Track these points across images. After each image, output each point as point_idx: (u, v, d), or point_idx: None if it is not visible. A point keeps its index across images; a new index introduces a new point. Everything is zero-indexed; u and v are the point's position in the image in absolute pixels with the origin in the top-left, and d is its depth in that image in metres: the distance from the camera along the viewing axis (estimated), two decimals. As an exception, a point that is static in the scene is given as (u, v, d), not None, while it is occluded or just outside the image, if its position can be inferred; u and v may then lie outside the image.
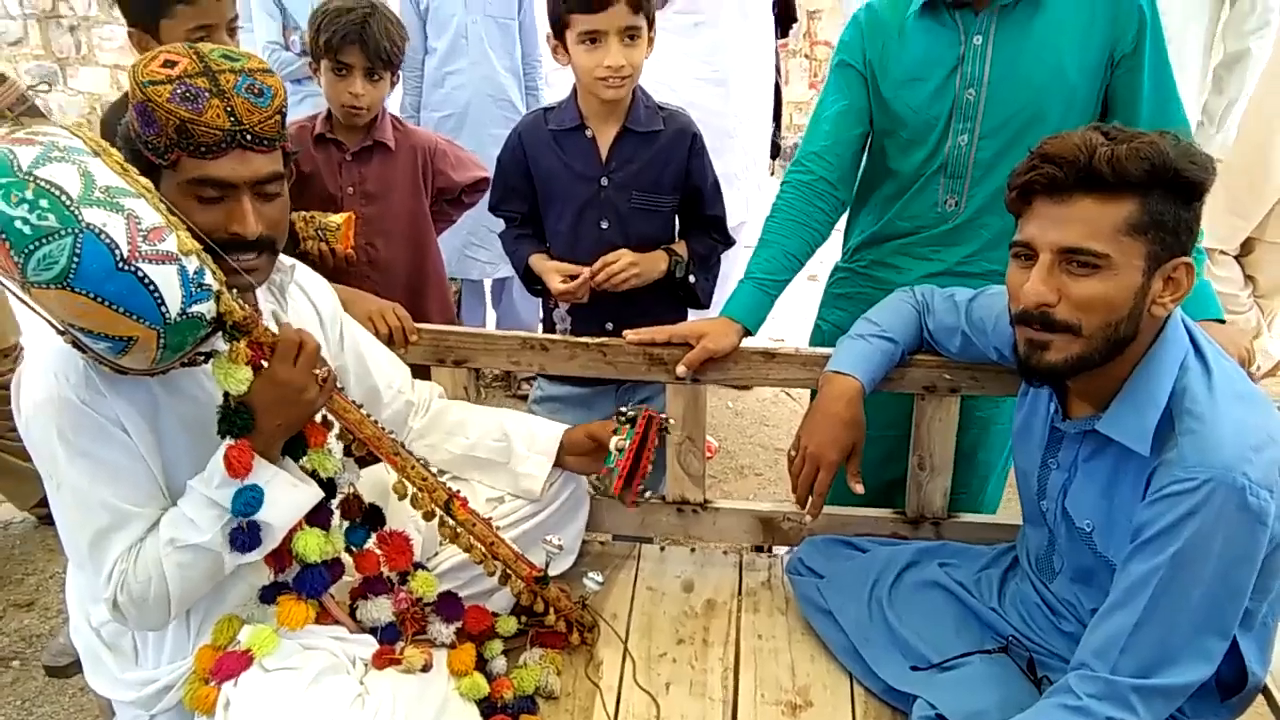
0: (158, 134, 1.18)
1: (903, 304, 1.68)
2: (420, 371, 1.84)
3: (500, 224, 2.08)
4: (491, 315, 3.63)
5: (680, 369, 1.74)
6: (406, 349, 1.83)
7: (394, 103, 3.34)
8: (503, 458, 1.69)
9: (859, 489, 1.58)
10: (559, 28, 1.77)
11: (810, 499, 1.58)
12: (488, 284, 3.52)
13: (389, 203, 2.21)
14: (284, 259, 1.40)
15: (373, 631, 1.44)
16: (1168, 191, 1.19)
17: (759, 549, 2.13)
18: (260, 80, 1.24)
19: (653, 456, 1.62)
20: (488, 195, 2.09)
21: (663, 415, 1.64)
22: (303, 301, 1.51)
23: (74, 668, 1.49)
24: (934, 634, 1.52)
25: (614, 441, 1.61)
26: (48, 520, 2.63)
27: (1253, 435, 1.17)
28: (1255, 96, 2.98)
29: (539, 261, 1.94)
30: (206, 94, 1.19)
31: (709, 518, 1.91)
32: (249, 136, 1.22)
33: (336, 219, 1.98)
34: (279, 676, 1.26)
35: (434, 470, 1.48)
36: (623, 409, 1.63)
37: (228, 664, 1.27)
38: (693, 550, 1.94)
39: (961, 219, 1.76)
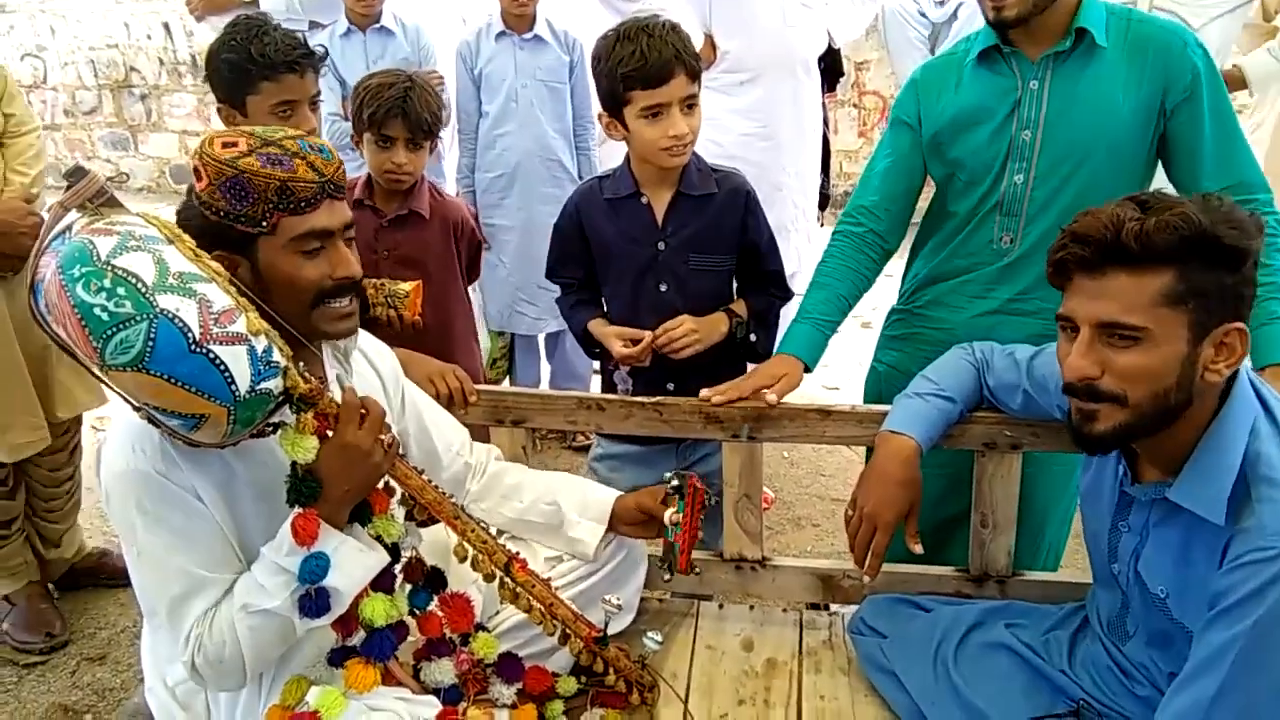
0: (255, 203, 1.24)
1: (961, 361, 1.68)
2: (479, 431, 1.87)
3: (546, 280, 2.12)
4: (546, 367, 3.67)
5: (771, 397, 1.76)
6: (466, 410, 1.86)
7: (450, 163, 3.45)
8: (555, 521, 1.70)
9: (917, 549, 1.57)
10: (616, 105, 1.79)
11: (868, 559, 1.57)
12: (541, 337, 3.57)
13: (424, 269, 2.26)
14: None
15: (436, 693, 1.45)
16: (1206, 260, 1.18)
17: (817, 606, 2.11)
18: (314, 141, 1.31)
19: (700, 531, 1.63)
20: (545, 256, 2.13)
21: (704, 486, 1.63)
22: (365, 366, 1.56)
23: (148, 727, 1.53)
24: (1002, 697, 1.49)
25: (668, 515, 1.61)
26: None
27: None
28: None
29: (599, 326, 1.96)
30: (289, 155, 1.26)
31: (768, 575, 1.90)
32: (333, 186, 1.30)
33: (405, 287, 2.05)
34: (346, 738, 1.28)
35: (493, 533, 1.50)
36: (667, 476, 1.63)
37: (296, 722, 1.29)
38: (751, 608, 1.93)
39: (1016, 255, 1.79)
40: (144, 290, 1.09)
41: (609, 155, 3.16)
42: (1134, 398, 1.23)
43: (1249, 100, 3.28)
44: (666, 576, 1.67)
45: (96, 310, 1.07)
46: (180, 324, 1.10)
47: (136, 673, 2.43)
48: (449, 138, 3.51)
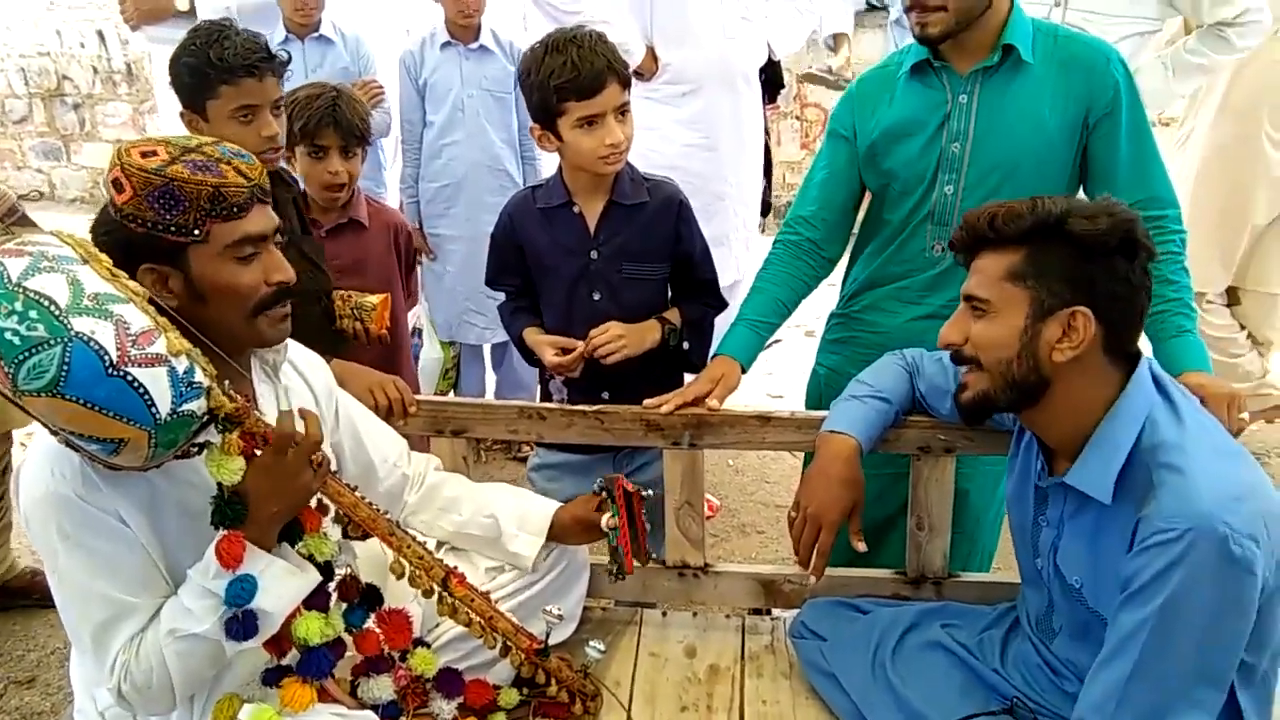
0: (185, 210, 1.21)
1: (894, 366, 1.71)
2: (420, 442, 1.86)
3: (495, 292, 2.12)
4: (491, 378, 3.65)
5: (713, 402, 1.78)
6: (406, 421, 1.84)
7: (394, 174, 3.42)
8: (493, 534, 1.69)
9: (861, 547, 1.59)
10: (549, 117, 1.80)
11: (813, 560, 1.58)
12: (487, 348, 3.55)
13: (363, 277, 2.25)
14: None
15: (375, 709, 1.43)
16: (1051, 244, 1.29)
17: (759, 611, 2.12)
18: (233, 146, 1.29)
19: (646, 525, 1.63)
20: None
21: (635, 486, 1.64)
22: (296, 380, 1.53)
23: (76, 751, 1.49)
24: (938, 696, 1.51)
25: (605, 520, 1.62)
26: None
27: (1233, 486, 1.19)
28: (1222, 142, 3.07)
29: (532, 335, 1.96)
30: (214, 161, 1.23)
31: (710, 582, 1.91)
32: (261, 190, 1.28)
33: (373, 300, 2.06)
34: (280, 756, 1.26)
35: (430, 547, 1.49)
36: (597, 484, 1.65)
37: (227, 742, 1.26)
38: (695, 615, 1.94)
39: (948, 263, 1.82)
40: (57, 313, 1.06)
41: (553, 165, 3.16)
42: (985, 363, 1.35)
43: (1177, 112, 3.38)
44: (620, 579, 1.66)
45: (8, 335, 1.04)
46: (96, 347, 1.07)
47: (66, 695, 2.36)
48: (392, 149, 3.49)
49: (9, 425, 2.41)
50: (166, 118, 3.40)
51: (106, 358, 1.07)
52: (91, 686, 1.43)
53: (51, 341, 1.05)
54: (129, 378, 1.09)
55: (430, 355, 3.47)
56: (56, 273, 1.08)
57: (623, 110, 1.80)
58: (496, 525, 1.68)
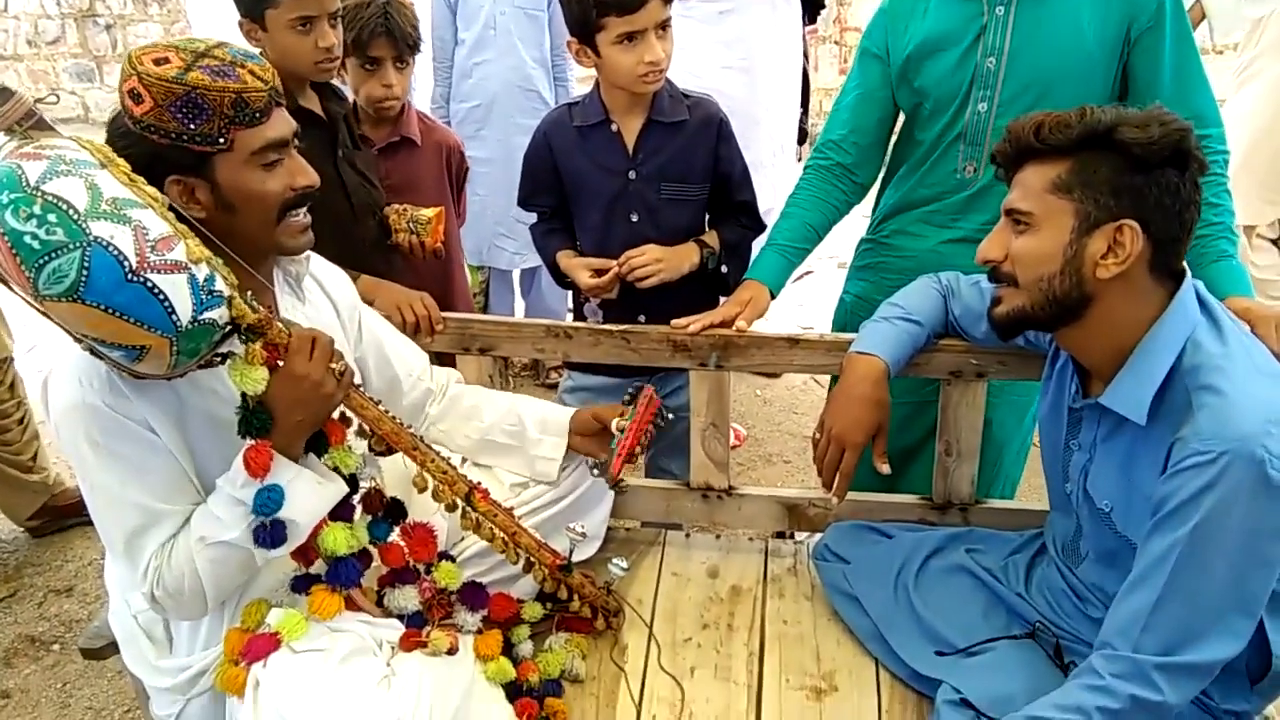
0: (209, 118, 1.18)
1: (928, 288, 1.67)
2: (447, 360, 1.86)
3: (527, 215, 2.09)
4: (520, 304, 3.65)
5: (741, 324, 1.76)
6: (433, 338, 1.84)
7: (424, 93, 3.38)
8: (517, 441, 1.69)
9: (885, 469, 1.57)
10: (587, 32, 1.75)
11: (836, 480, 1.57)
12: (516, 273, 3.54)
13: (416, 196, 2.22)
14: None
15: (400, 618, 1.45)
16: (1100, 154, 1.23)
17: (783, 535, 2.13)
18: (239, 48, 1.25)
19: (643, 439, 1.62)
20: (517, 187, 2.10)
21: (658, 399, 1.63)
22: (319, 295, 1.52)
23: (109, 649, 1.53)
24: (960, 619, 1.51)
25: (615, 423, 1.61)
26: (37, 533, 2.71)
27: (1274, 409, 1.15)
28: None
29: (566, 259, 1.94)
30: (229, 65, 1.19)
31: (734, 504, 1.91)
32: (277, 93, 1.26)
33: (428, 213, 2.03)
34: (307, 657, 1.28)
35: (454, 462, 1.49)
36: (629, 391, 1.63)
37: (257, 646, 1.29)
38: (718, 536, 1.95)
39: (980, 185, 1.78)
40: (76, 217, 1.05)
41: (585, 87, 3.10)
42: (1023, 280, 1.30)
43: (1240, 37, 3.23)
44: (601, 477, 1.65)
45: (27, 238, 1.03)
46: (115, 252, 1.06)
47: (102, 603, 2.44)
48: (422, 68, 3.44)
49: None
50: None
51: (126, 263, 1.06)
52: (125, 590, 1.46)
53: (70, 246, 1.04)
54: (149, 283, 1.08)
55: (458, 279, 3.47)
56: (74, 176, 1.07)
57: (663, 26, 1.74)
58: (521, 430, 1.68)
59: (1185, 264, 1.31)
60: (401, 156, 2.25)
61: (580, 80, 3.23)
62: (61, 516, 2.69)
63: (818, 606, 1.73)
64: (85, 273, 1.04)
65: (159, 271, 1.09)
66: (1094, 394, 1.35)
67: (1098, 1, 1.65)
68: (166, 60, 1.17)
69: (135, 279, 1.07)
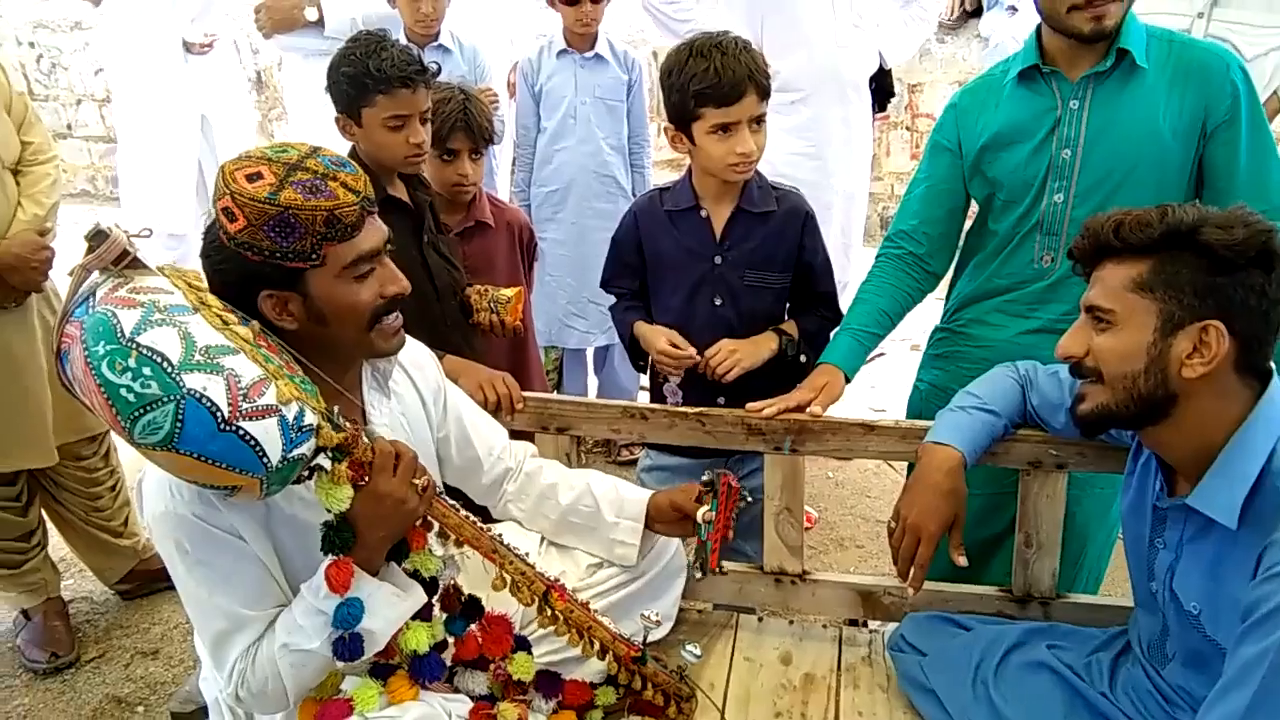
0: (302, 236, 1.21)
1: (1005, 378, 1.67)
2: (524, 436, 1.90)
3: (597, 293, 2.14)
4: (593, 382, 3.70)
5: (815, 409, 1.77)
6: (513, 417, 1.89)
7: (502, 180, 3.51)
8: (593, 523, 1.71)
9: (962, 561, 1.56)
10: (685, 120, 1.81)
11: (911, 571, 1.56)
12: (590, 352, 3.60)
13: (493, 276, 2.31)
14: None
15: (470, 696, 1.47)
16: (1183, 254, 1.23)
17: (856, 623, 2.10)
18: (333, 156, 1.27)
19: (733, 526, 1.63)
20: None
21: (737, 485, 1.63)
22: (406, 384, 1.56)
23: (199, 715, 1.57)
24: (1041, 717, 1.47)
25: (701, 513, 1.60)
26: (127, 596, 2.78)
27: None
28: None
29: (643, 326, 1.98)
30: (322, 179, 1.22)
31: (807, 589, 1.90)
32: (369, 202, 1.29)
33: (508, 293, 2.12)
34: (378, 723, 1.30)
35: (530, 561, 1.51)
36: (705, 476, 1.64)
37: (330, 711, 1.32)
38: (791, 622, 1.93)
39: (1057, 275, 1.79)
40: (170, 370, 1.07)
41: (661, 176, 3.19)
42: (1108, 376, 1.30)
43: None
44: (698, 575, 1.66)
45: (123, 391, 1.06)
46: (209, 403, 1.08)
47: (187, 668, 2.50)
48: (500, 154, 3.58)
49: (95, 429, 2.52)
50: (296, 125, 3.56)
51: (219, 414, 1.09)
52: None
53: (165, 399, 1.07)
54: (241, 431, 1.10)
55: (532, 357, 3.55)
56: (168, 326, 1.10)
57: (758, 120, 1.80)
58: (597, 513, 1.70)
59: (1272, 363, 1.30)
60: (477, 239, 2.36)
61: (658, 165, 3.33)
62: (150, 580, 2.78)
63: (894, 699, 1.70)
64: (179, 425, 1.07)
65: (250, 419, 1.11)
66: (1179, 493, 1.33)
67: (1172, 96, 1.66)
68: (259, 176, 1.20)
69: (228, 429, 1.10)
